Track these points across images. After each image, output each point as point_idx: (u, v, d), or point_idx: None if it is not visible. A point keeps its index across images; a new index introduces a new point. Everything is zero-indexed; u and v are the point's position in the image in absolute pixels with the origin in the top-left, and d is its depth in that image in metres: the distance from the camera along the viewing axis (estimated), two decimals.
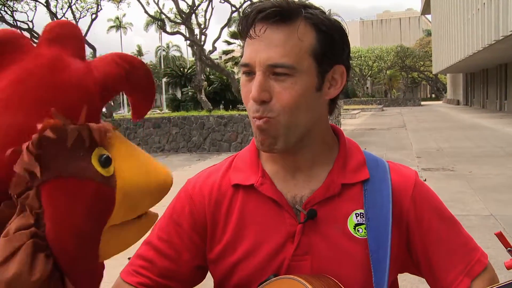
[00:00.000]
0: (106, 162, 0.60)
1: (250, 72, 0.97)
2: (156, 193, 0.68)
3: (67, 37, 0.63)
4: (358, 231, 1.00)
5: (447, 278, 1.01)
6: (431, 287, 1.07)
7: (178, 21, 21.55)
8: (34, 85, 0.58)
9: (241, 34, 0.98)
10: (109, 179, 0.60)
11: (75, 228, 0.57)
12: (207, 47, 21.44)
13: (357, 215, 1.01)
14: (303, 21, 0.94)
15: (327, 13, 0.99)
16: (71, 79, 0.60)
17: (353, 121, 26.29)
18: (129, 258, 1.10)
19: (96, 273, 0.64)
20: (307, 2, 0.99)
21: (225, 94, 28.20)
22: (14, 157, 0.55)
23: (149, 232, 1.11)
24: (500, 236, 0.96)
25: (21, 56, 0.59)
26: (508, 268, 0.95)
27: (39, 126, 0.56)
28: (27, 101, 0.57)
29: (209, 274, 1.12)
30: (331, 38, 0.96)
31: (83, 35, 0.68)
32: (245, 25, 0.96)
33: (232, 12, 20.31)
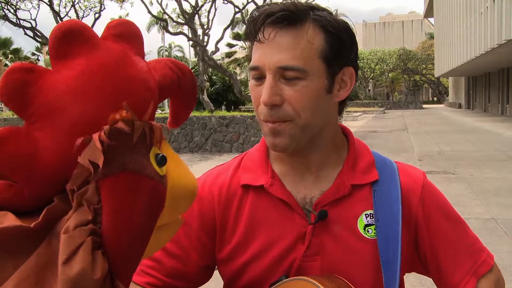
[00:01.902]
0: (162, 161, 0.61)
1: (260, 77, 0.96)
2: (191, 197, 0.68)
3: (131, 35, 0.64)
4: (368, 231, 1.01)
5: (454, 278, 1.03)
6: (438, 286, 1.08)
7: (181, 21, 21.55)
8: (107, 77, 0.58)
9: (249, 38, 0.98)
10: (163, 178, 0.60)
11: (133, 225, 0.57)
12: (210, 47, 21.42)
13: (366, 215, 1.02)
14: (311, 24, 0.94)
15: (333, 13, 0.99)
16: (139, 75, 0.60)
17: (355, 123, 26.26)
18: None
19: (130, 281, 0.64)
20: (314, 3, 0.99)
21: (227, 95, 28.21)
22: (79, 148, 0.54)
23: None
24: None
25: (89, 47, 0.59)
26: None
27: (112, 117, 0.55)
28: (100, 92, 0.57)
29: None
30: (340, 40, 0.96)
31: None
32: (253, 29, 0.96)
33: (235, 13, 20.30)
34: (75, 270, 0.52)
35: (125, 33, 0.63)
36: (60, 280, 0.52)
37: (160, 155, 0.61)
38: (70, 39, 0.58)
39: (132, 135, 0.57)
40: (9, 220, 0.56)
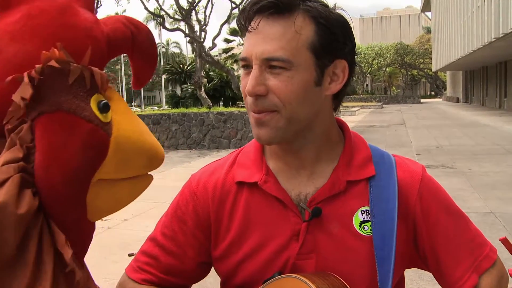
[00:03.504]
0: (104, 107, 0.61)
1: (248, 66, 0.95)
2: (148, 157, 0.68)
3: None
4: (364, 228, 0.99)
5: (455, 274, 1.00)
6: (438, 282, 1.06)
7: (178, 17, 21.51)
8: (44, 22, 0.59)
9: (240, 28, 0.97)
10: (106, 125, 0.60)
11: (66, 165, 0.57)
12: (207, 43, 21.43)
13: (362, 212, 1.00)
14: (301, 14, 0.92)
15: (331, 7, 0.97)
16: (80, 23, 0.61)
17: (353, 118, 26.28)
18: (129, 255, 1.11)
19: (84, 228, 0.64)
20: None
21: (224, 91, 28.18)
22: (14, 86, 0.55)
23: (153, 227, 1.12)
24: (505, 242, 0.94)
25: None
26: None
27: (44, 55, 0.56)
28: (36, 35, 0.58)
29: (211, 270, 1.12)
30: (331, 32, 0.94)
31: None
32: (242, 19, 0.95)
33: (232, 8, 20.28)
34: None
35: None
36: None
37: (103, 101, 0.61)
38: None
39: (67, 76, 0.57)
40: None
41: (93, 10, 0.66)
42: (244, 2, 1.00)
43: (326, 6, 0.96)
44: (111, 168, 0.63)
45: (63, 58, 0.57)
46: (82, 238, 0.65)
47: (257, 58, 0.92)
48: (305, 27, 0.92)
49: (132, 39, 0.68)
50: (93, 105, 0.60)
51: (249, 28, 0.93)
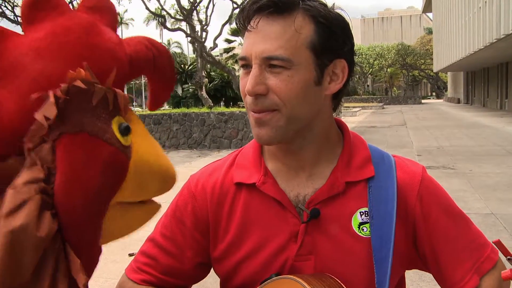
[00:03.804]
0: (125, 130, 0.60)
1: (247, 65, 0.95)
2: (164, 180, 0.68)
3: (103, 8, 0.65)
4: (363, 230, 0.99)
5: (456, 275, 1.00)
6: (439, 284, 1.05)
7: (179, 17, 21.50)
8: (71, 41, 0.59)
9: (239, 28, 0.97)
10: (126, 149, 0.60)
11: (87, 187, 0.56)
12: (208, 44, 21.44)
13: (361, 213, 0.99)
14: (301, 13, 0.92)
15: (330, 7, 0.97)
16: (105, 44, 0.61)
17: (354, 118, 26.26)
18: (130, 255, 1.11)
19: (95, 252, 0.63)
20: None
21: (226, 91, 28.19)
22: (38, 104, 0.55)
23: (152, 227, 1.11)
24: (499, 244, 0.94)
25: (57, 14, 0.60)
26: (505, 279, 0.93)
27: (70, 74, 0.56)
28: (63, 53, 0.58)
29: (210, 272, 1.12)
30: (330, 31, 0.94)
31: None
32: (242, 18, 0.95)
33: (234, 8, 20.26)
34: (17, 223, 0.51)
35: (97, 6, 0.65)
36: (0, 232, 0.51)
37: (124, 124, 0.60)
38: (39, 5, 0.60)
39: (91, 97, 0.57)
40: None
41: (116, 28, 0.66)
42: (244, 1, 1.00)
43: (325, 5, 0.96)
44: (128, 190, 0.63)
45: (89, 78, 0.56)
46: (91, 262, 0.64)
47: (257, 57, 0.92)
48: (304, 26, 0.92)
49: (154, 61, 0.68)
50: (114, 127, 0.60)
51: (248, 27, 0.93)
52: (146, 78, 0.71)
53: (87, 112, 0.57)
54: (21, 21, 0.62)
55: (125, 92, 0.63)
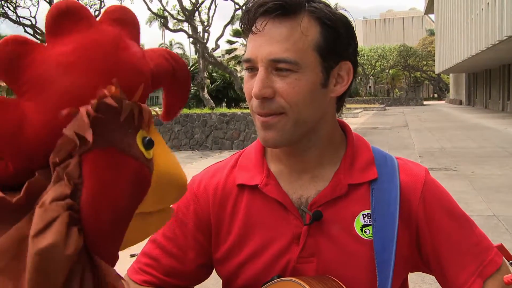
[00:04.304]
0: (149, 144, 0.60)
1: (252, 68, 0.94)
2: (180, 189, 0.68)
3: (127, 21, 0.65)
4: (366, 232, 0.98)
5: (459, 279, 0.99)
6: (442, 287, 1.05)
7: (181, 18, 21.53)
8: (100, 56, 0.59)
9: (243, 29, 0.96)
10: (149, 162, 0.60)
11: (115, 203, 0.56)
12: (210, 44, 21.44)
13: (364, 215, 0.99)
14: (307, 15, 0.92)
15: (333, 7, 0.96)
16: (131, 58, 0.61)
17: (356, 120, 26.26)
18: (131, 256, 1.10)
19: (114, 261, 0.64)
20: None
21: (227, 92, 28.22)
22: (67, 120, 0.54)
23: None
24: (501, 249, 0.93)
25: (84, 27, 0.60)
26: (507, 283, 0.92)
27: (100, 92, 0.55)
28: (92, 69, 0.58)
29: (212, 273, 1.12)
30: (336, 33, 0.94)
31: None
32: (247, 20, 0.94)
33: (236, 9, 20.29)
34: (46, 242, 0.51)
35: (122, 19, 0.64)
36: (29, 253, 0.50)
37: (148, 138, 0.61)
38: (66, 16, 0.59)
39: (119, 113, 0.57)
40: None
41: (139, 40, 0.66)
42: (247, 2, 1.00)
43: (329, 6, 0.96)
44: (149, 202, 0.63)
45: (118, 95, 0.56)
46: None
47: (263, 59, 0.91)
48: (310, 28, 0.92)
49: (173, 74, 0.68)
50: (138, 141, 0.59)
51: (253, 30, 0.93)
52: (163, 90, 0.72)
53: (115, 127, 0.57)
54: (44, 31, 0.62)
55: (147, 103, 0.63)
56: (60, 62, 0.57)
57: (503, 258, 1.01)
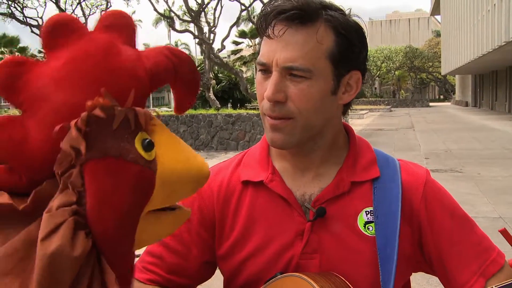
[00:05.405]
0: (148, 146, 0.61)
1: (266, 70, 0.96)
2: (196, 181, 0.69)
3: (120, 25, 0.65)
4: (368, 229, 1.00)
5: (461, 278, 0.99)
6: (445, 287, 1.05)
7: (187, 19, 21.58)
8: (91, 66, 0.60)
9: (259, 32, 0.97)
10: (151, 163, 0.61)
11: (117, 208, 0.58)
12: (216, 45, 21.46)
13: (367, 212, 1.00)
14: (323, 24, 0.93)
15: (346, 13, 0.98)
16: (123, 64, 0.62)
17: (361, 121, 26.24)
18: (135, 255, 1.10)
19: (129, 260, 0.65)
20: (327, 1, 0.97)
21: (233, 92, 28.25)
22: (62, 134, 0.56)
23: None
24: (504, 233, 0.95)
25: (75, 39, 0.61)
26: None
27: (89, 104, 0.57)
28: (84, 80, 0.59)
29: (216, 272, 1.12)
30: (349, 42, 0.95)
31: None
32: (264, 24, 0.95)
33: (241, 10, 20.32)
34: (53, 246, 0.53)
35: (114, 23, 0.65)
36: (38, 256, 0.53)
37: (147, 140, 0.61)
38: (58, 31, 0.61)
39: (112, 121, 0.58)
40: (3, 198, 0.58)
41: (135, 43, 0.66)
42: (264, 6, 1.01)
43: (344, 13, 0.97)
44: (158, 200, 0.64)
45: (107, 104, 0.57)
46: (127, 271, 0.66)
47: (278, 65, 0.93)
48: (326, 37, 0.94)
49: (175, 70, 0.69)
50: (137, 145, 0.60)
51: (270, 35, 0.94)
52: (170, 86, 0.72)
53: (109, 136, 0.58)
54: (42, 48, 0.63)
55: (149, 101, 0.63)
56: (53, 77, 0.59)
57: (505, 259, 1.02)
